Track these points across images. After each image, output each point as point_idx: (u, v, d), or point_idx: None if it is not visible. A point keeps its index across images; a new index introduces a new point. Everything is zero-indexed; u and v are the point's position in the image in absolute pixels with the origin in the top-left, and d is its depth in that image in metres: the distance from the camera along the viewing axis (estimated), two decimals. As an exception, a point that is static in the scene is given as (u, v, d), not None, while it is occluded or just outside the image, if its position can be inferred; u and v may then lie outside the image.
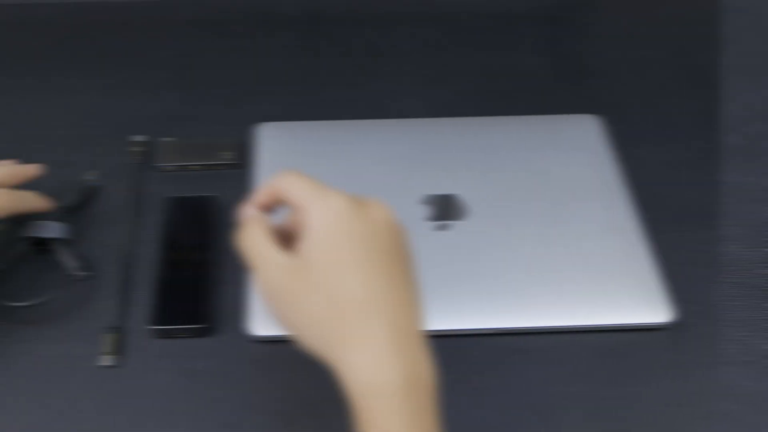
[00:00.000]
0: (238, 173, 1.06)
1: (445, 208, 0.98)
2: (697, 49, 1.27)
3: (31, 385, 0.86)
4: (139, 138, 1.09)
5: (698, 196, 1.05)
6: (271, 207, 0.76)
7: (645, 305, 0.91)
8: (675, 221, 1.02)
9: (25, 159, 1.05)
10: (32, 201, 0.92)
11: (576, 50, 1.26)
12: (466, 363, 0.88)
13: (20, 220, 0.92)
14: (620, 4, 1.34)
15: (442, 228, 0.97)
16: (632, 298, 0.91)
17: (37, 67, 1.21)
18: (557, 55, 1.25)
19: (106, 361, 0.87)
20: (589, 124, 1.10)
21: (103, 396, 0.85)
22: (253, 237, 0.73)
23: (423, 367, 0.68)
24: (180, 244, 0.96)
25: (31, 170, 0.94)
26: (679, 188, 1.06)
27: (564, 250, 0.95)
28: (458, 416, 0.84)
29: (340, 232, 0.68)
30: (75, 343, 0.89)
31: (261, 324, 0.89)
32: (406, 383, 0.65)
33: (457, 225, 0.97)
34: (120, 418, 0.83)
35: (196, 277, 0.93)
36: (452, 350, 0.89)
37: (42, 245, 0.93)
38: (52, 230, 0.93)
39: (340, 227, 0.68)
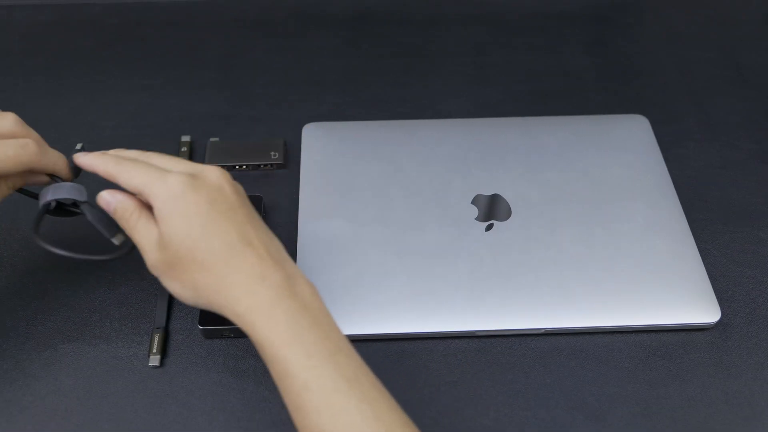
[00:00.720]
0: (283, 173, 1.06)
1: (493, 209, 0.98)
2: (745, 49, 1.26)
3: (78, 385, 0.86)
4: (185, 138, 1.09)
5: (745, 196, 1.04)
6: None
7: (693, 305, 0.90)
8: (722, 222, 1.01)
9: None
10: (57, 160, 0.84)
11: (623, 50, 1.25)
12: (513, 363, 0.88)
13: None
14: (668, 3, 1.34)
15: (490, 228, 0.96)
16: (680, 298, 0.91)
17: (83, 67, 1.22)
18: (605, 55, 1.25)
19: (154, 361, 0.88)
20: (636, 124, 1.09)
21: (151, 396, 0.86)
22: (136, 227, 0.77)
23: (296, 273, 0.75)
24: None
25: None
26: (726, 188, 1.05)
27: (612, 251, 0.94)
28: (505, 416, 0.84)
29: (184, 204, 0.74)
30: (122, 344, 0.90)
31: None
32: (281, 287, 0.73)
33: (504, 225, 0.97)
34: (167, 419, 0.84)
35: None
36: (500, 350, 0.89)
37: (65, 210, 0.85)
38: (77, 192, 0.83)
39: (183, 201, 0.74)
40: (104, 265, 0.95)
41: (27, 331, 0.90)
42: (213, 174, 0.77)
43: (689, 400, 0.86)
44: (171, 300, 0.93)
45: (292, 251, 0.97)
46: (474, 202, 0.99)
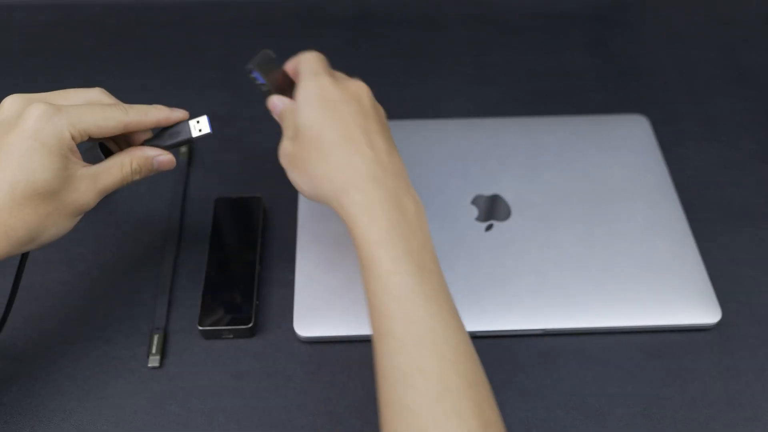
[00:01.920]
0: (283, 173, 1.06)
1: (493, 209, 0.98)
2: (745, 49, 1.26)
3: (77, 385, 0.86)
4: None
5: (746, 196, 1.04)
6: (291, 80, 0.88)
7: (694, 306, 0.90)
8: (722, 221, 1.01)
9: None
10: (156, 113, 0.84)
11: (623, 50, 1.25)
12: (514, 363, 0.88)
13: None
14: (668, 3, 1.34)
15: (490, 228, 0.96)
16: (681, 298, 0.91)
17: (83, 67, 1.22)
18: (606, 55, 1.24)
19: (153, 362, 0.87)
20: (637, 124, 1.09)
21: (151, 397, 0.86)
22: (283, 122, 0.84)
23: (408, 190, 0.78)
24: (226, 245, 0.97)
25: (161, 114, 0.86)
26: (727, 188, 1.05)
27: (612, 251, 0.94)
28: (505, 416, 0.84)
29: (322, 96, 0.80)
30: (122, 344, 0.90)
31: (307, 325, 0.89)
32: (390, 193, 0.76)
33: (505, 225, 0.97)
34: (167, 419, 0.84)
35: (242, 278, 0.93)
36: (500, 351, 0.89)
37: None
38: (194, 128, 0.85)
39: (319, 97, 0.80)
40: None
41: (26, 332, 0.90)
42: (356, 85, 0.83)
43: (690, 401, 0.85)
44: (171, 300, 0.93)
45: (292, 251, 0.97)
46: (474, 202, 0.99)
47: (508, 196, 1.00)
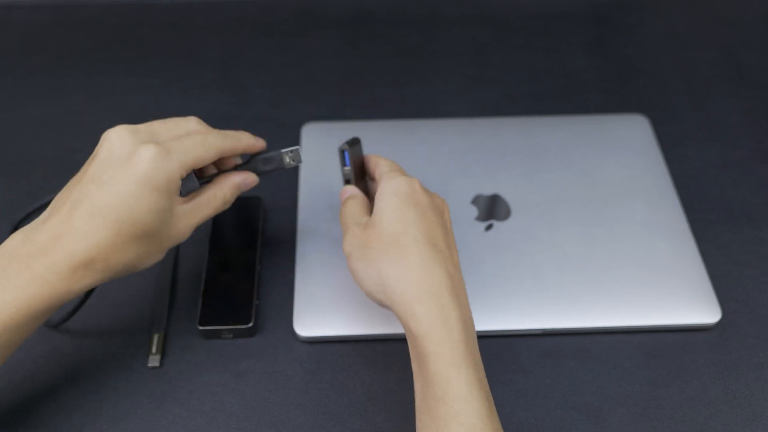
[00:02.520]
0: (283, 173, 1.06)
1: (493, 209, 0.98)
2: (745, 49, 1.26)
3: (77, 385, 0.86)
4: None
5: (745, 196, 1.04)
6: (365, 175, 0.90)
7: (693, 306, 0.90)
8: (722, 221, 1.01)
9: (72, 161, 1.06)
10: (246, 139, 0.87)
11: (623, 50, 1.25)
12: (513, 363, 0.88)
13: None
14: (668, 3, 1.34)
15: (490, 228, 0.96)
16: (681, 298, 0.91)
17: (83, 67, 1.22)
18: (605, 55, 1.25)
19: (153, 361, 0.87)
20: (636, 124, 1.09)
21: (150, 396, 0.86)
22: (348, 208, 0.84)
23: (470, 314, 0.76)
24: (226, 245, 0.96)
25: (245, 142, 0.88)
26: (727, 188, 1.05)
27: (612, 251, 0.94)
28: (505, 416, 0.84)
29: (410, 199, 0.79)
30: (122, 344, 0.90)
31: (306, 325, 0.89)
32: (464, 327, 0.73)
33: (504, 225, 0.97)
34: (167, 419, 0.84)
35: (242, 278, 0.93)
36: (499, 350, 0.89)
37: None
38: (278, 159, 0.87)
39: (409, 196, 0.80)
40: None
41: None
42: (441, 199, 0.84)
43: (690, 401, 0.85)
44: (171, 300, 0.93)
45: (292, 251, 0.97)
46: (474, 202, 0.99)
47: (507, 195, 1.00)
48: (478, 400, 0.70)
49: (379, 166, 0.86)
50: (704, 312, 0.90)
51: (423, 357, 0.71)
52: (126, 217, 0.73)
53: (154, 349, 0.88)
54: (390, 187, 0.80)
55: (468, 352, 0.71)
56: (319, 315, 0.89)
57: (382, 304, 0.77)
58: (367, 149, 1.05)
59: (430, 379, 0.70)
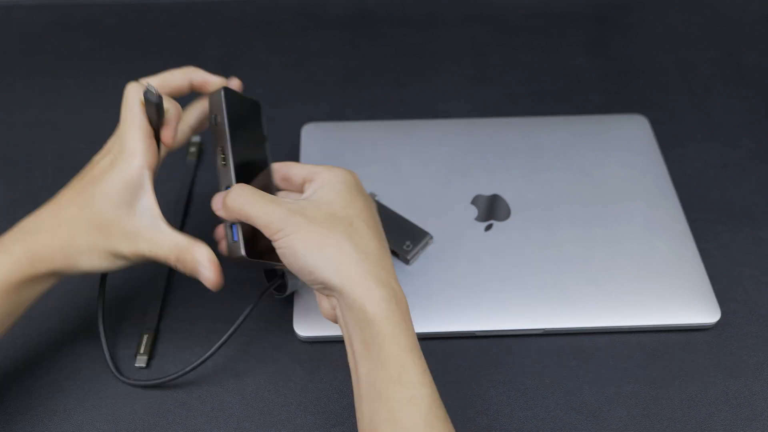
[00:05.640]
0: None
1: (493, 209, 0.98)
2: (745, 49, 1.26)
3: (77, 385, 0.86)
4: (195, 139, 1.08)
5: (745, 196, 1.04)
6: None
7: (693, 306, 0.90)
8: (722, 221, 1.01)
9: (72, 161, 1.06)
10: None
11: (623, 50, 1.25)
12: (513, 363, 0.88)
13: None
14: (668, 3, 1.34)
15: (490, 228, 0.96)
16: (680, 298, 0.91)
17: (82, 67, 1.22)
18: (605, 55, 1.25)
19: (140, 361, 0.87)
20: (636, 124, 1.09)
21: (150, 396, 0.86)
22: (248, 189, 0.79)
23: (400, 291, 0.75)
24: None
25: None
26: (726, 188, 1.05)
27: (612, 251, 0.94)
28: (505, 416, 0.84)
29: (351, 186, 0.80)
30: (122, 344, 0.90)
31: (307, 325, 0.89)
32: (396, 305, 0.73)
33: (504, 225, 0.97)
34: (167, 419, 0.84)
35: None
36: (499, 350, 0.89)
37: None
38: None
39: (351, 184, 0.80)
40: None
41: (26, 331, 0.90)
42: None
43: (689, 401, 0.85)
44: (171, 300, 0.93)
45: (291, 251, 0.97)
46: (474, 202, 0.99)
47: (507, 196, 1.00)
48: (430, 386, 0.71)
49: (303, 166, 0.84)
50: (704, 312, 0.90)
51: (379, 339, 0.71)
52: (89, 189, 0.78)
53: (142, 350, 0.88)
54: (336, 176, 0.80)
55: (416, 341, 0.73)
56: (319, 315, 0.89)
57: (320, 283, 0.74)
58: (367, 149, 1.05)
59: (383, 362, 0.70)
